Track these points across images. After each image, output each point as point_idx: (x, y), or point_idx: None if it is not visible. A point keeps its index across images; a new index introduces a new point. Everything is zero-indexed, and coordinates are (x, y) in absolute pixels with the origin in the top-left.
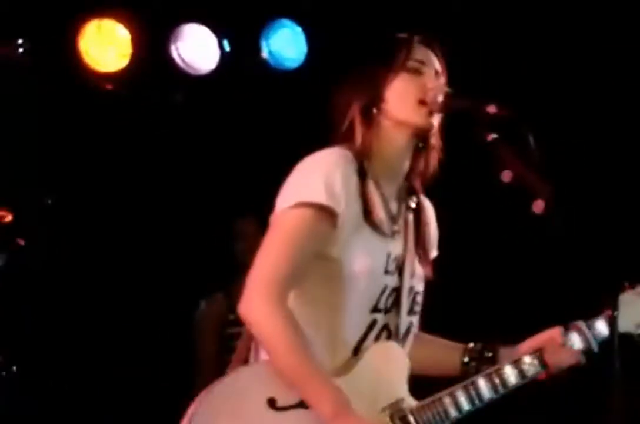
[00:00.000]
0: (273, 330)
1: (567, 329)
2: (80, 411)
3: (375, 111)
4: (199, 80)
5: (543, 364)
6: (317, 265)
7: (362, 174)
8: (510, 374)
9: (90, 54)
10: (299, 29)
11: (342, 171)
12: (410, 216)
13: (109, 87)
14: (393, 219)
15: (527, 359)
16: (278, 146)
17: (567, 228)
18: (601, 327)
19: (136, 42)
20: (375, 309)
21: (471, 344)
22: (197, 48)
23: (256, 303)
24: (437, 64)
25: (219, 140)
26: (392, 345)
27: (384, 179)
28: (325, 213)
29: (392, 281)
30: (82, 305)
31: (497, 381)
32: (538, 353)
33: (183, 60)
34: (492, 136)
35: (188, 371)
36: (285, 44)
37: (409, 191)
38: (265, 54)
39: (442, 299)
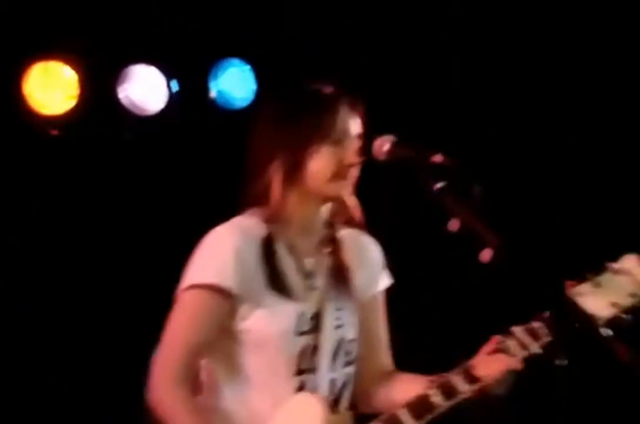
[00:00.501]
0: (170, 412)
1: (504, 337)
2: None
3: (295, 176)
4: (147, 121)
5: (472, 379)
6: (224, 340)
7: (269, 240)
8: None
9: (36, 97)
10: (247, 68)
11: (236, 246)
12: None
13: (55, 131)
14: (309, 275)
15: (454, 378)
16: (226, 185)
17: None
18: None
19: (83, 84)
20: (299, 372)
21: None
22: (145, 88)
23: (155, 386)
24: (359, 128)
25: (166, 181)
26: (304, 399)
27: (299, 236)
28: (216, 292)
29: (312, 339)
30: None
31: (421, 408)
32: (463, 370)
33: (131, 101)
34: (439, 185)
35: None
36: (234, 83)
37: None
38: (213, 93)
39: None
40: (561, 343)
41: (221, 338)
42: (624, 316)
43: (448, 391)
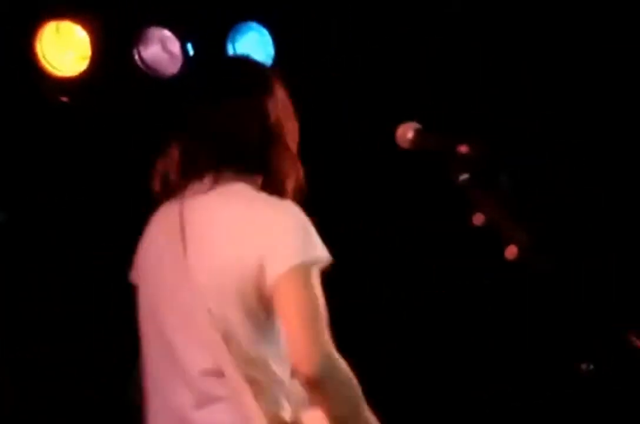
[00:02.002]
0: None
1: None
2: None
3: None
4: (162, 85)
5: None
6: None
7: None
8: None
9: (47, 58)
10: (266, 32)
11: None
12: None
13: (65, 96)
14: None
15: None
16: None
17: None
18: None
19: (96, 45)
20: None
21: None
22: (160, 52)
23: (334, 357)
24: None
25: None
26: None
27: None
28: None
29: None
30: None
31: None
32: None
33: (145, 64)
34: (464, 176)
35: None
36: (252, 48)
37: None
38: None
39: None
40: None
41: None
42: None
43: None
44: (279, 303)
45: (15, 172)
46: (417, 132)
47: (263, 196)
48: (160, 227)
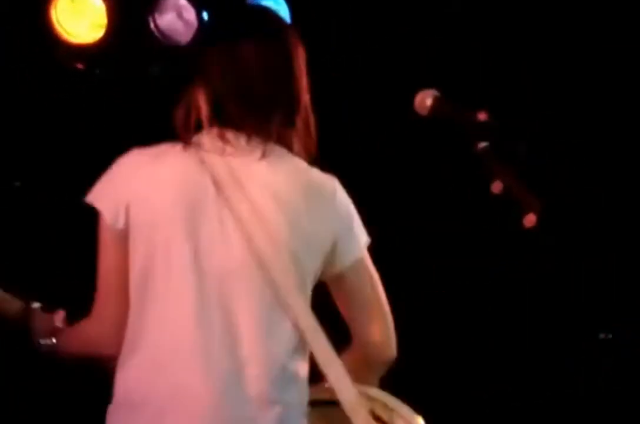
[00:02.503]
0: None
1: None
2: None
3: None
4: (177, 52)
5: None
6: None
7: None
8: None
9: (63, 25)
10: (283, 2)
11: None
12: None
13: (81, 63)
14: None
15: None
16: None
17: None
18: None
19: (112, 13)
20: None
21: None
22: (176, 20)
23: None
24: None
25: None
26: None
27: None
28: None
29: None
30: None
31: None
32: None
33: (161, 32)
34: (482, 145)
35: None
36: None
37: None
38: None
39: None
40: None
41: None
42: None
43: None
44: (353, 284)
45: (30, 139)
46: (436, 99)
47: (314, 169)
48: (192, 176)
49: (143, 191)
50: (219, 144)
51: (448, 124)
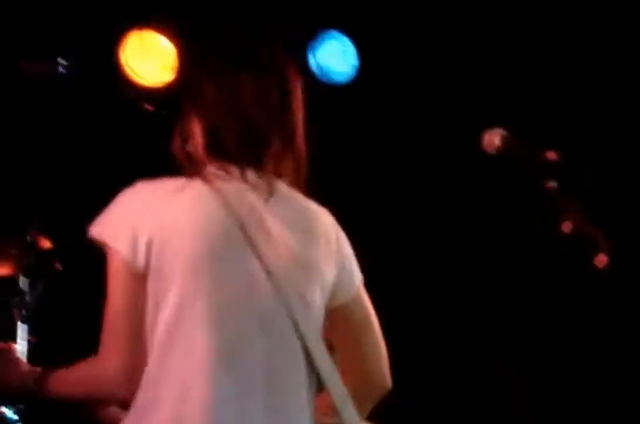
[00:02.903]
0: None
1: None
2: None
3: None
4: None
5: None
6: None
7: None
8: None
9: (132, 67)
10: (348, 41)
11: None
12: None
13: (150, 105)
14: None
15: None
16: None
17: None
18: None
19: (181, 57)
20: None
21: None
22: None
23: None
24: None
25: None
26: None
27: None
28: None
29: None
30: None
31: None
32: None
33: None
34: (551, 184)
35: None
36: (334, 57)
37: None
38: (313, 67)
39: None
40: None
41: None
42: None
43: None
44: (354, 315)
45: (97, 177)
46: (505, 138)
47: (311, 202)
48: (215, 214)
49: (166, 227)
50: (230, 178)
51: (516, 162)
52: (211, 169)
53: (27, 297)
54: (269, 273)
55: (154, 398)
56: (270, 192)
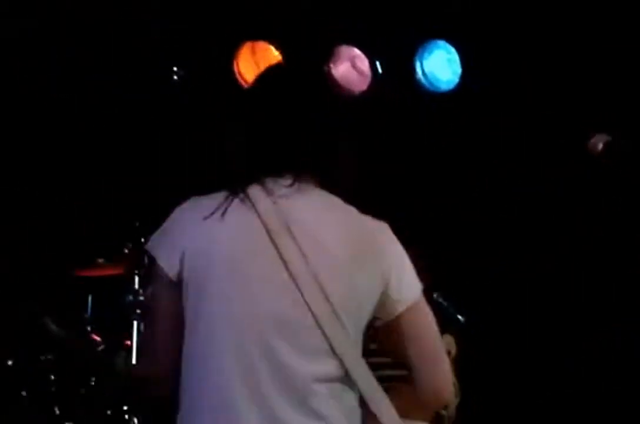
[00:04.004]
0: None
1: None
2: None
3: None
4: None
5: None
6: None
7: None
8: None
9: (245, 76)
10: (453, 50)
11: None
12: None
13: None
14: None
15: None
16: (425, 167)
17: None
18: None
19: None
20: None
21: None
22: (350, 69)
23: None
24: None
25: (379, 165)
26: None
27: None
28: None
29: None
30: None
31: None
32: None
33: (335, 82)
34: None
35: None
36: (440, 66)
37: None
38: (419, 75)
39: None
40: None
41: None
42: None
43: None
44: (409, 331)
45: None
46: (607, 144)
47: (366, 217)
48: (248, 229)
49: (200, 243)
50: (267, 193)
51: (618, 168)
52: (249, 184)
53: (141, 296)
54: (293, 280)
55: (192, 401)
56: (306, 204)
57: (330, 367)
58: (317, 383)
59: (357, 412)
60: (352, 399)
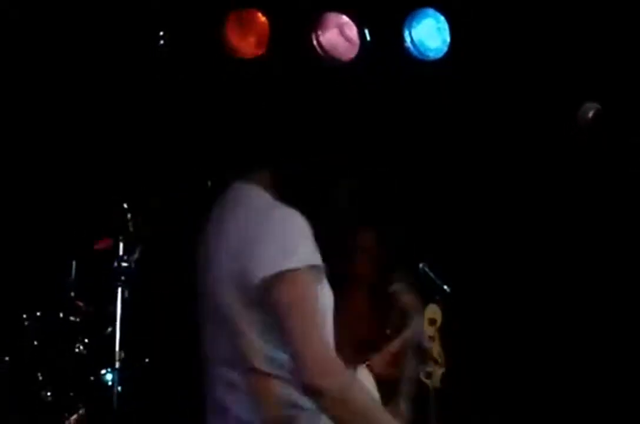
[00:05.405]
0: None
1: None
2: None
3: None
4: (339, 69)
5: None
6: None
7: None
8: None
9: (231, 42)
10: (442, 19)
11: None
12: None
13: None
14: None
15: None
16: (417, 136)
17: None
18: None
19: (275, 30)
20: None
21: None
22: (338, 37)
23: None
24: None
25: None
26: None
27: None
28: (322, 273)
29: None
30: None
31: None
32: None
33: (323, 49)
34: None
35: None
36: (428, 34)
37: None
38: (408, 43)
39: None
40: None
41: None
42: None
43: None
44: (272, 302)
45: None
46: (598, 113)
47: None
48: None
49: None
50: None
51: (608, 141)
52: None
53: (125, 263)
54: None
55: None
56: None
57: None
58: None
59: None
60: None
